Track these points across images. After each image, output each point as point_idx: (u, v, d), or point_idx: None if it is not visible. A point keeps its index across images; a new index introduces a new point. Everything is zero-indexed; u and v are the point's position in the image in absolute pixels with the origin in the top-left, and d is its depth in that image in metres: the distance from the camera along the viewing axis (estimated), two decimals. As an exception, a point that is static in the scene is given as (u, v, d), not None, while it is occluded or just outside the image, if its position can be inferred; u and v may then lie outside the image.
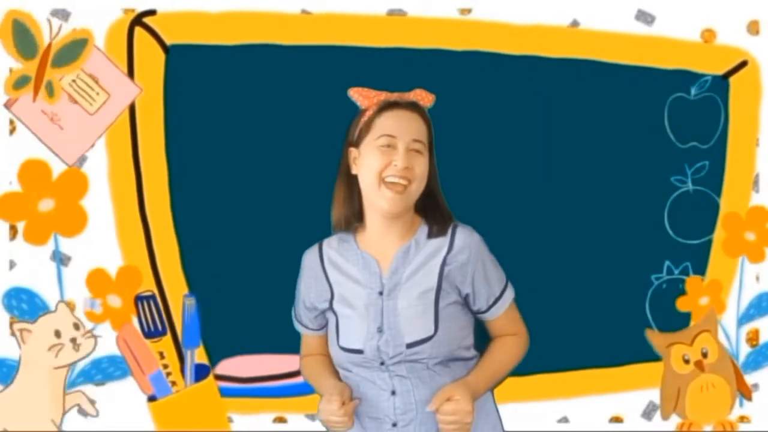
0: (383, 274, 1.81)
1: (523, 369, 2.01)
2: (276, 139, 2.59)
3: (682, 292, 2.71)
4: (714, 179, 2.72)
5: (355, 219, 1.87)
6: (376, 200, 1.78)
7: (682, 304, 2.72)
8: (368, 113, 1.82)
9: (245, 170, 2.59)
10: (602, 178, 2.67)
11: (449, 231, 1.83)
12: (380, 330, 1.78)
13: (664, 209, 2.70)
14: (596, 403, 2.72)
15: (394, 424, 1.80)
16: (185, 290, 2.59)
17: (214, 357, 2.62)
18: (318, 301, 1.89)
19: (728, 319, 2.75)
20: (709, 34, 2.69)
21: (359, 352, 1.79)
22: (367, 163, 1.78)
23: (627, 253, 2.68)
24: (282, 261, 2.51)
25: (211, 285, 2.59)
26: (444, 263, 1.80)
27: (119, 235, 2.57)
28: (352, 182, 1.87)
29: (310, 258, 1.92)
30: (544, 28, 2.64)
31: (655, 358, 2.73)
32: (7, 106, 2.50)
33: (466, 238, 1.82)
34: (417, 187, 1.79)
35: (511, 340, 1.91)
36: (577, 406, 2.71)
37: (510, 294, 1.90)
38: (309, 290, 1.91)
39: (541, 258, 2.61)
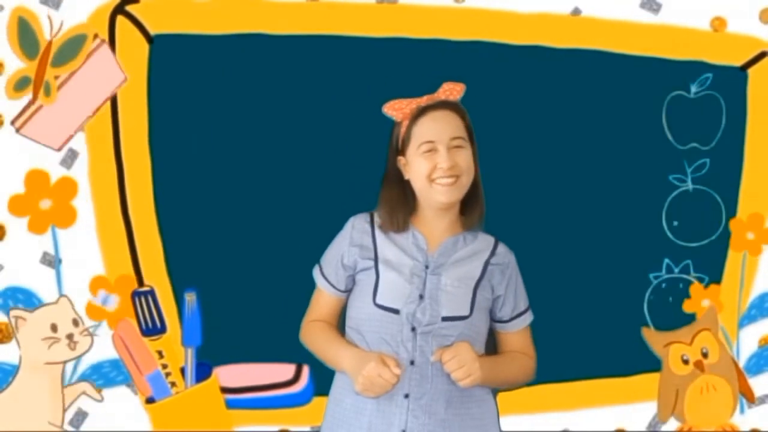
0: (429, 253, 1.93)
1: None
2: (265, 134, 2.54)
3: (682, 292, 2.68)
4: (715, 178, 2.68)
5: (408, 217, 1.99)
6: (432, 197, 1.91)
7: (688, 307, 2.69)
8: (405, 124, 1.93)
9: (232, 167, 2.53)
10: (601, 176, 2.63)
11: (492, 240, 2.00)
12: (421, 297, 1.89)
13: (663, 208, 2.67)
14: (599, 415, 2.68)
15: (407, 396, 1.86)
16: (169, 290, 2.54)
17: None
18: (361, 258, 1.97)
19: (729, 319, 2.72)
20: (719, 23, 2.64)
21: (395, 311, 1.89)
22: (416, 169, 1.91)
23: (625, 252, 2.64)
24: (270, 259, 2.53)
25: (198, 285, 2.54)
26: (488, 261, 1.95)
27: (99, 233, 2.52)
28: (405, 186, 1.98)
29: (360, 221, 2.02)
30: (542, 17, 2.59)
31: (660, 367, 2.68)
32: (18, 128, 2.47)
33: (506, 251, 2.00)
34: (467, 179, 1.92)
35: (524, 356, 2.03)
36: (578, 418, 2.68)
37: (529, 317, 2.04)
38: (353, 248, 1.99)
39: (534, 257, 2.42)
